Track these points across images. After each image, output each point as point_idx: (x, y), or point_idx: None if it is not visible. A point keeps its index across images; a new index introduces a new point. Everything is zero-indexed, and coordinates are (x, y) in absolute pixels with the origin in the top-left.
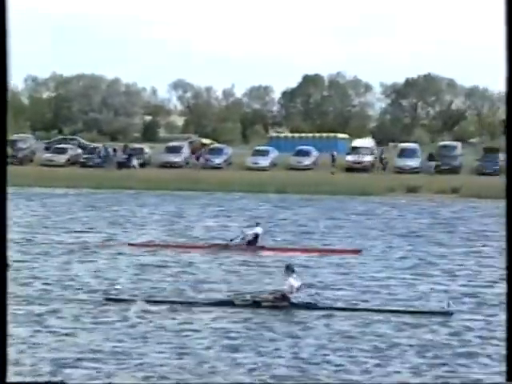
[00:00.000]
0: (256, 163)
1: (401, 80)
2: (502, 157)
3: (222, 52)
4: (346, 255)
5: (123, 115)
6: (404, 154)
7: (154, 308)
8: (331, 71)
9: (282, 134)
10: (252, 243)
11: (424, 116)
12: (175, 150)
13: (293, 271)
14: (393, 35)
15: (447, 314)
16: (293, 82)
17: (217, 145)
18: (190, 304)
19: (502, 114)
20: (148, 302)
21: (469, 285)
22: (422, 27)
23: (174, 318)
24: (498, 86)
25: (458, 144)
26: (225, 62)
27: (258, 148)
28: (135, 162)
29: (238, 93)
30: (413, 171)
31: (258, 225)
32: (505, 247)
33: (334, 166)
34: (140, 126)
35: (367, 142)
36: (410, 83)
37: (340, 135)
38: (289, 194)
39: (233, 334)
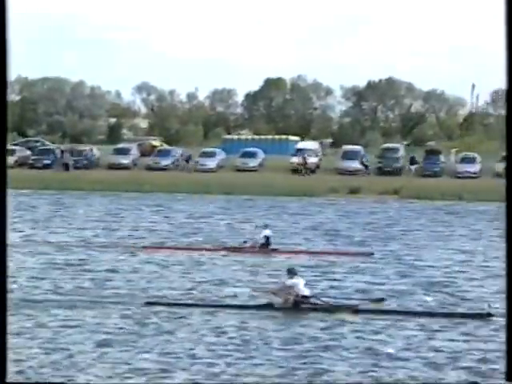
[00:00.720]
0: (203, 165)
1: (361, 83)
2: (442, 158)
3: (186, 55)
4: (357, 258)
5: (88, 117)
6: (347, 156)
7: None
8: (293, 75)
9: (236, 137)
10: (264, 246)
11: (384, 119)
12: (123, 152)
13: (295, 274)
14: (355, 40)
15: (488, 315)
16: (256, 85)
17: (165, 147)
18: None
19: (459, 117)
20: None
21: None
22: (383, 33)
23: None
24: (454, 90)
25: (401, 146)
26: (188, 66)
27: (205, 150)
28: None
29: (202, 96)
30: (356, 173)
31: (266, 227)
32: (505, 247)
33: (305, 167)
34: (105, 128)
35: (312, 144)
36: (370, 86)
37: (292, 137)
38: (233, 196)
39: None
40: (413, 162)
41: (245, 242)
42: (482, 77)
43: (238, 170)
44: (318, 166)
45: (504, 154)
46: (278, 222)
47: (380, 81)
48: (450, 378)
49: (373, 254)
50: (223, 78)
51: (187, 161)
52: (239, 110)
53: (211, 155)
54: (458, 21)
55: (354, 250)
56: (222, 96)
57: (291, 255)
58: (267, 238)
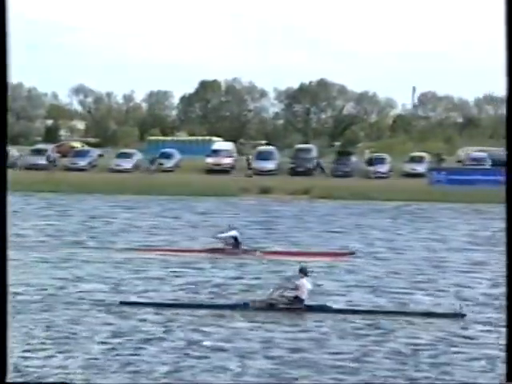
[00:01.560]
0: (119, 165)
1: (295, 85)
2: (353, 159)
3: (122, 58)
4: (338, 258)
5: (25, 119)
6: (261, 156)
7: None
8: (228, 77)
9: (161, 138)
10: (235, 246)
11: (316, 120)
12: (40, 153)
13: (306, 274)
14: (290, 43)
15: (459, 315)
16: (192, 87)
17: (84, 147)
18: (206, 307)
19: (389, 118)
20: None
21: None
22: (319, 36)
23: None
24: (385, 92)
25: (313, 147)
26: (125, 68)
27: (122, 151)
28: None
29: (138, 98)
30: (270, 173)
31: (232, 229)
32: (505, 248)
33: (250, 169)
34: (42, 129)
35: (227, 145)
36: (303, 89)
37: (215, 139)
38: (146, 196)
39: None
40: (370, 163)
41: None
42: (412, 79)
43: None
44: (232, 167)
45: (412, 154)
46: (166, 219)
47: (311, 83)
48: None
49: (354, 253)
50: (160, 80)
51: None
52: (175, 112)
53: (128, 156)
54: (394, 25)
55: (332, 251)
56: (158, 98)
57: (274, 256)
58: (235, 238)
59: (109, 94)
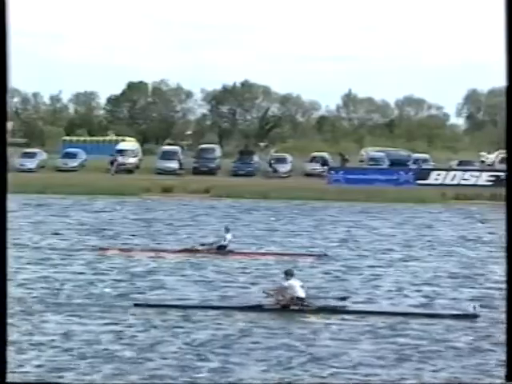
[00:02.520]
0: (23, 165)
1: (220, 87)
2: (256, 159)
3: (48, 58)
4: (309, 259)
5: None
6: (165, 156)
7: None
8: (155, 78)
9: (75, 138)
10: (221, 248)
11: (242, 121)
12: None
13: (292, 275)
14: (217, 44)
15: (474, 316)
16: (119, 88)
17: None
18: (217, 308)
19: (313, 119)
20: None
21: None
22: (245, 37)
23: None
24: (309, 95)
25: (217, 147)
26: (51, 69)
27: (26, 151)
28: None
29: (65, 98)
30: (173, 173)
31: (228, 231)
32: (505, 248)
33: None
34: None
35: (132, 145)
36: (228, 90)
37: (128, 139)
38: (46, 195)
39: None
40: (324, 163)
41: (202, 244)
42: (335, 82)
43: (59, 171)
44: (137, 166)
45: (313, 154)
46: (50, 218)
47: (235, 84)
48: None
49: (326, 254)
50: (87, 80)
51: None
52: (102, 113)
53: (31, 156)
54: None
55: (308, 252)
56: (85, 99)
57: (244, 257)
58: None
59: (35, 95)
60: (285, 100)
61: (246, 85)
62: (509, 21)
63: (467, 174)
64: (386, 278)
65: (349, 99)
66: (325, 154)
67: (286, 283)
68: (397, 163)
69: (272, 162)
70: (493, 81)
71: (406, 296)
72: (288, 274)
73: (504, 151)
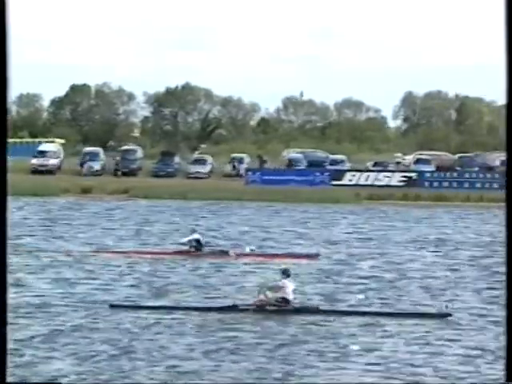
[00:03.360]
0: None
1: (162, 90)
2: (177, 160)
3: None
4: (303, 260)
5: None
6: (88, 158)
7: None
8: (98, 81)
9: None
10: (198, 248)
11: (184, 123)
12: None
13: (288, 275)
14: (160, 46)
15: (446, 315)
16: (62, 90)
17: None
18: (195, 310)
19: (254, 122)
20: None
21: None
22: (192, 37)
23: None
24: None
25: (139, 148)
26: None
27: None
28: None
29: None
30: (96, 173)
31: (194, 231)
32: (505, 248)
33: (118, 170)
34: None
35: (53, 146)
36: (169, 93)
37: (58, 140)
38: None
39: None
40: (262, 162)
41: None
42: (277, 84)
43: None
44: (58, 168)
45: (233, 155)
46: None
47: (177, 87)
48: None
49: (319, 255)
50: (30, 83)
51: None
52: (45, 115)
53: None
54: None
55: (299, 253)
56: (27, 101)
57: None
58: (198, 241)
59: None
60: (226, 102)
61: (187, 87)
62: (509, 21)
63: (381, 175)
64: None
65: (289, 102)
66: (244, 156)
67: (280, 282)
68: (315, 164)
69: (194, 163)
70: (429, 84)
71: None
72: (284, 274)
73: (421, 153)
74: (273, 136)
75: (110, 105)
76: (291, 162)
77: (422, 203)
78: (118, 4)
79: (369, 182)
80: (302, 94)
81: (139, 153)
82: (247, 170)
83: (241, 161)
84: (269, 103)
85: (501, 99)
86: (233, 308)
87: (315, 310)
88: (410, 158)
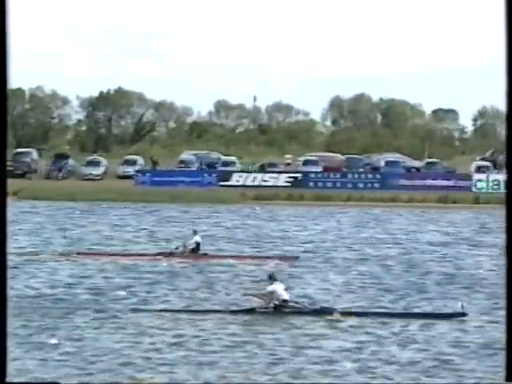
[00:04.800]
0: None
1: (96, 93)
2: (71, 162)
3: None
4: (282, 262)
5: None
6: None
7: None
8: (32, 85)
9: None
10: (194, 251)
11: (117, 127)
12: None
13: (275, 279)
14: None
15: (462, 315)
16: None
17: None
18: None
19: (186, 125)
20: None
21: None
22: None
23: None
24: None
25: (33, 151)
26: None
27: None
28: None
29: None
30: None
31: (195, 233)
32: (505, 248)
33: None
34: None
35: None
36: (102, 97)
37: None
38: None
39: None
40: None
41: (176, 248)
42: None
43: None
44: None
45: (126, 157)
46: None
47: (109, 91)
48: None
49: (298, 257)
50: None
51: None
52: None
53: None
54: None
55: (278, 255)
56: None
57: (219, 259)
58: (197, 243)
59: None
60: (159, 106)
61: (120, 91)
62: (509, 21)
63: (267, 176)
64: None
65: (220, 106)
66: (137, 158)
67: (269, 288)
68: (207, 165)
69: (85, 165)
70: (356, 88)
71: None
72: (271, 279)
73: (310, 154)
74: (206, 139)
75: (45, 109)
76: (183, 164)
77: (305, 203)
78: (60, 8)
79: (256, 183)
80: (255, 99)
81: (34, 155)
82: (137, 171)
83: (135, 162)
84: (202, 107)
85: (425, 103)
86: (251, 311)
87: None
88: (301, 159)
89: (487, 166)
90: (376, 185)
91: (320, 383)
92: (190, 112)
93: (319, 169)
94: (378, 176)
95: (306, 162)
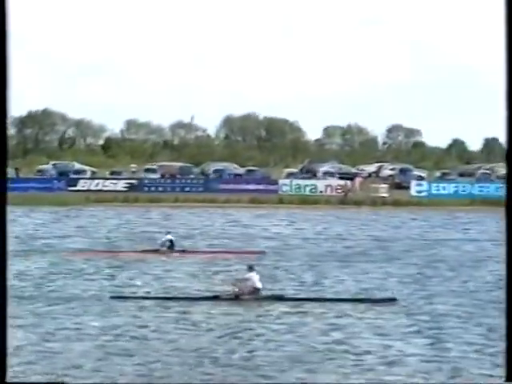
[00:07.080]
0: None
1: (24, 113)
2: None
3: None
4: (250, 255)
5: None
6: None
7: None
8: None
9: None
10: (171, 248)
11: (43, 142)
12: None
13: (252, 269)
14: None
15: (392, 300)
16: None
17: None
18: (181, 299)
19: (101, 140)
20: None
21: None
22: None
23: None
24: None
25: None
26: None
27: None
28: None
29: None
30: None
31: (168, 233)
32: (505, 248)
33: None
34: None
35: None
36: (30, 116)
37: None
38: None
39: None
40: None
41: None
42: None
43: None
44: None
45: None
46: None
47: (37, 111)
48: None
49: (264, 252)
50: None
51: None
52: None
53: None
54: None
55: (248, 249)
56: None
57: (199, 255)
58: (171, 241)
59: None
60: (79, 124)
61: (46, 112)
62: (509, 22)
63: (107, 182)
64: None
65: (130, 124)
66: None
67: (246, 275)
68: (63, 174)
69: None
70: (246, 107)
71: None
72: (250, 268)
73: (152, 163)
74: (116, 152)
75: None
76: (40, 172)
77: (139, 204)
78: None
79: (99, 188)
80: (192, 118)
81: None
82: None
83: None
84: (115, 125)
85: (301, 121)
86: (215, 298)
87: (280, 298)
88: (135, 167)
89: (294, 173)
90: (200, 188)
91: (321, 383)
92: (104, 129)
93: (157, 175)
94: (201, 181)
95: (146, 170)
